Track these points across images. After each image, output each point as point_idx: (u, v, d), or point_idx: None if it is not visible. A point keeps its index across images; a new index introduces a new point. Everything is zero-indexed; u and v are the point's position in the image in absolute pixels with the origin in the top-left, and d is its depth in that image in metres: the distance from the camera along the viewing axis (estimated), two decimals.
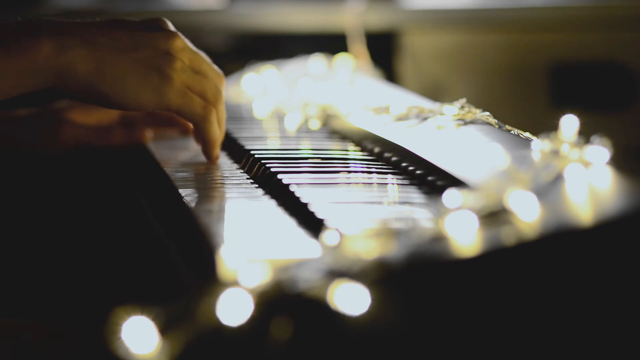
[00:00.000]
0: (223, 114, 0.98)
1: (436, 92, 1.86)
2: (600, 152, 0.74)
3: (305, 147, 1.08)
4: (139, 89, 0.91)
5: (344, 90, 1.29)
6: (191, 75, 0.94)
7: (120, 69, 0.90)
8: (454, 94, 1.84)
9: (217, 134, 0.97)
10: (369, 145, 1.02)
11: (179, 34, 0.95)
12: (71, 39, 0.90)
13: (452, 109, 0.99)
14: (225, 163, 1.00)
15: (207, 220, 0.76)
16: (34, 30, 0.90)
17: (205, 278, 0.68)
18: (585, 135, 0.75)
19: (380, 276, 0.58)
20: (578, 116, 0.76)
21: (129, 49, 0.91)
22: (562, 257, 0.62)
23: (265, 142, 1.11)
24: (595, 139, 0.74)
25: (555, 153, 0.75)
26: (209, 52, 1.00)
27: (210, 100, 0.95)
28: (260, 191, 0.87)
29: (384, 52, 1.89)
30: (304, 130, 1.16)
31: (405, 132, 0.99)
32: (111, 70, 0.90)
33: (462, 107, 0.99)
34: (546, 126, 0.78)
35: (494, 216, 0.65)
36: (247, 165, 0.97)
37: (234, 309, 0.57)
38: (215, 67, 0.98)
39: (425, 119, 1.02)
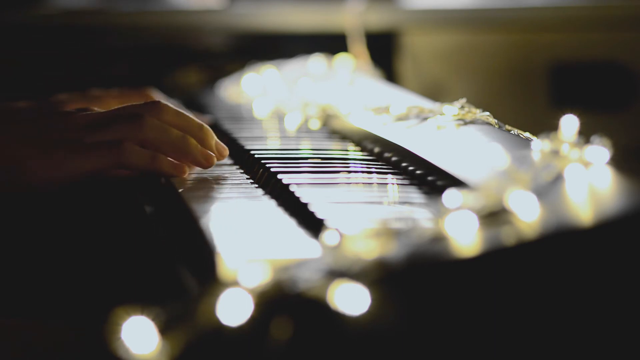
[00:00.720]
0: (156, 135, 0.92)
1: (436, 92, 1.86)
2: (600, 152, 0.74)
3: (305, 147, 1.08)
4: (43, 173, 0.90)
5: (344, 90, 1.29)
6: (94, 133, 0.91)
7: (22, 158, 0.91)
8: (454, 94, 1.84)
9: (141, 163, 0.91)
10: (369, 145, 1.02)
11: (76, 114, 0.94)
12: None
13: (452, 109, 0.99)
14: (225, 163, 1.00)
15: (207, 220, 0.76)
16: None
17: (205, 278, 0.68)
18: (585, 135, 0.75)
19: (380, 276, 0.58)
20: (578, 116, 0.76)
21: (33, 134, 0.91)
22: (562, 257, 0.62)
23: (265, 142, 1.11)
24: (595, 139, 0.74)
25: (555, 153, 0.75)
26: (209, 52, 1.00)
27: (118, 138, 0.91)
28: (260, 191, 0.87)
29: (384, 52, 1.89)
30: (304, 130, 1.16)
31: (405, 132, 0.99)
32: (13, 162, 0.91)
33: (462, 107, 0.99)
34: (546, 126, 0.78)
35: (494, 216, 0.65)
36: (247, 165, 0.97)
37: (234, 309, 0.57)
38: (133, 105, 0.95)
39: (425, 119, 1.02)
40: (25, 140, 0.91)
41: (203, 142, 0.94)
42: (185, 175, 0.92)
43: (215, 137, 0.96)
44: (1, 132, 0.92)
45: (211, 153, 0.94)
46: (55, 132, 0.92)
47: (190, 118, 0.95)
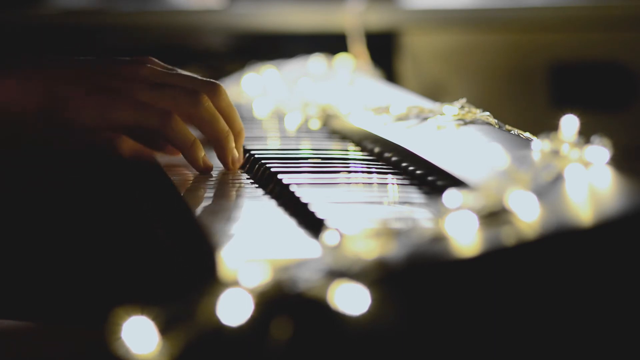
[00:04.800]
0: (207, 118, 0.92)
1: (436, 92, 1.86)
2: (600, 152, 0.73)
3: (305, 147, 1.08)
4: (85, 112, 0.90)
5: (344, 90, 1.29)
6: (149, 91, 0.91)
7: (68, 96, 0.90)
8: (454, 94, 1.84)
9: (181, 140, 0.91)
10: (369, 145, 1.02)
11: (150, 62, 0.93)
12: (25, 74, 0.91)
13: (452, 109, 0.99)
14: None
15: (207, 220, 0.76)
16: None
17: (205, 278, 0.68)
18: (585, 135, 0.75)
19: (380, 276, 0.58)
20: (578, 116, 0.76)
21: (85, 78, 0.91)
22: (562, 257, 0.62)
23: (265, 142, 1.11)
24: (595, 139, 0.74)
25: (555, 153, 0.75)
26: (209, 52, 1.00)
27: (171, 108, 0.90)
28: (260, 191, 0.87)
29: (384, 52, 1.89)
30: (304, 130, 1.16)
31: (405, 132, 0.99)
32: (59, 98, 0.90)
33: (462, 107, 0.99)
34: (546, 126, 0.78)
35: (494, 216, 0.65)
36: (247, 165, 0.97)
37: (234, 309, 0.57)
38: (197, 78, 0.94)
39: (425, 119, 1.02)
40: (73, 81, 0.91)
41: (238, 145, 0.95)
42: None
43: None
44: (53, 74, 0.91)
45: (239, 158, 0.95)
46: (105, 78, 0.91)
47: (238, 117, 0.96)
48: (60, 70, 0.92)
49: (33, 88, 0.90)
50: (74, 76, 0.91)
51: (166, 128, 0.90)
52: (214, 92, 0.93)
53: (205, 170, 0.93)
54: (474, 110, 0.98)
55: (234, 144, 0.94)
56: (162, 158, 1.04)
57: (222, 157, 0.94)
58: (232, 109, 0.95)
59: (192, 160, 0.92)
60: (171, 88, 0.91)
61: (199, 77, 0.95)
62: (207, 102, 0.92)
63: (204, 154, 0.93)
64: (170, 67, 0.96)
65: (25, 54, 0.94)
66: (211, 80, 0.95)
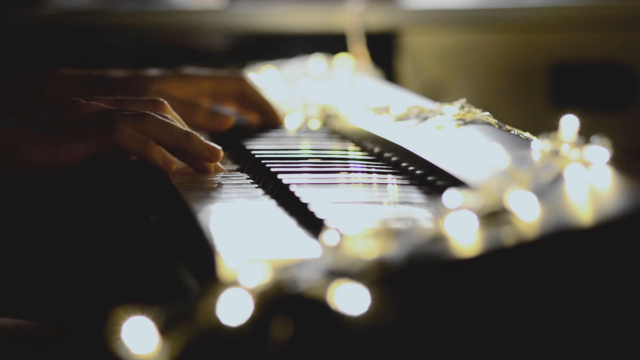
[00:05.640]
0: (159, 127, 0.92)
1: (436, 92, 1.86)
2: (600, 152, 0.73)
3: (305, 147, 1.08)
4: (36, 157, 0.90)
5: (344, 90, 1.29)
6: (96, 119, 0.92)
7: (18, 148, 0.91)
8: (454, 94, 1.84)
9: (132, 146, 0.90)
10: (369, 145, 1.02)
11: (93, 102, 0.94)
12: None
13: (452, 109, 0.99)
14: (225, 163, 1.00)
15: (207, 220, 0.76)
16: None
17: (205, 278, 0.68)
18: (585, 135, 0.75)
19: (380, 276, 0.58)
20: (578, 116, 0.76)
21: (33, 124, 0.92)
22: (562, 257, 0.62)
23: (265, 142, 1.11)
24: (595, 139, 0.74)
25: (555, 153, 0.75)
26: (209, 52, 1.00)
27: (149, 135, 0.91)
28: (260, 191, 0.87)
29: (384, 52, 1.89)
30: (304, 130, 1.16)
31: (405, 132, 0.99)
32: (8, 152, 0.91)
33: (462, 107, 0.99)
34: (546, 126, 0.78)
35: (494, 216, 0.65)
36: (247, 165, 0.97)
37: (234, 309, 0.57)
38: (140, 100, 0.96)
39: (425, 119, 1.02)
40: (25, 127, 0.91)
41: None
42: (173, 170, 0.92)
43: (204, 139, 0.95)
44: (6, 122, 0.92)
45: (217, 146, 0.93)
46: (56, 120, 0.92)
47: (181, 123, 0.96)
48: (18, 116, 0.93)
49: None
50: (28, 122, 0.92)
51: (114, 139, 0.90)
52: (158, 109, 0.94)
53: (168, 167, 0.92)
54: (474, 110, 0.98)
55: (199, 138, 0.92)
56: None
57: (196, 154, 0.93)
58: (178, 119, 0.96)
59: (154, 160, 0.91)
60: (120, 112, 0.92)
61: (146, 99, 0.96)
62: (154, 117, 0.92)
63: (163, 151, 0.92)
64: (116, 99, 0.97)
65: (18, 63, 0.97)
66: (156, 99, 0.96)
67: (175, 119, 0.95)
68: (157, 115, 0.92)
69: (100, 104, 0.94)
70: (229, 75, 1.17)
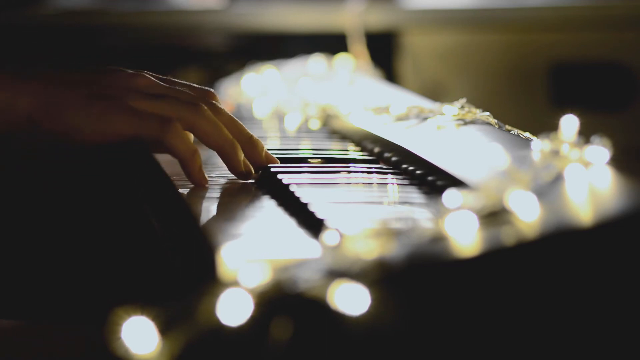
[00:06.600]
0: (209, 129, 0.88)
1: (436, 92, 1.86)
2: (600, 152, 0.73)
3: (305, 147, 1.08)
4: (80, 120, 0.87)
5: (344, 90, 1.29)
6: (147, 101, 0.88)
7: (62, 101, 0.88)
8: (454, 94, 1.84)
9: (182, 149, 0.87)
10: (369, 145, 1.02)
11: (145, 74, 0.91)
12: (18, 77, 0.89)
13: (452, 109, 0.99)
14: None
15: (207, 220, 0.76)
16: None
17: (205, 278, 0.68)
18: (585, 135, 0.75)
19: (380, 276, 0.58)
20: (578, 116, 0.76)
21: (80, 85, 0.89)
22: (562, 257, 0.62)
23: (265, 142, 1.11)
24: (595, 139, 0.74)
25: (555, 153, 0.75)
26: (209, 52, 1.00)
27: (172, 116, 0.87)
28: (260, 191, 0.87)
29: (384, 52, 1.89)
30: (304, 130, 1.16)
31: (405, 132, 0.99)
32: (52, 102, 0.88)
33: (462, 107, 0.99)
34: (546, 126, 0.78)
35: (494, 216, 0.65)
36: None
37: (234, 309, 0.57)
38: (195, 87, 0.92)
39: (425, 119, 1.02)
40: (67, 88, 0.88)
41: (254, 154, 0.91)
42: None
43: (265, 149, 0.93)
44: (54, 79, 0.89)
45: (252, 168, 0.91)
46: (104, 87, 0.89)
47: (241, 126, 0.92)
48: (54, 77, 0.90)
49: (25, 93, 0.88)
50: (68, 83, 0.89)
51: (167, 136, 0.86)
52: (210, 102, 0.90)
53: (200, 182, 0.89)
54: (474, 110, 0.98)
55: (241, 152, 0.90)
56: (162, 155, 1.04)
57: (232, 167, 0.90)
58: (234, 119, 0.91)
59: (191, 171, 0.88)
60: (170, 98, 0.89)
61: (197, 87, 0.92)
62: (208, 112, 0.88)
63: (202, 169, 0.89)
64: (166, 78, 0.94)
65: (19, 63, 0.94)
66: (208, 89, 0.93)
67: (225, 113, 0.91)
68: (210, 113, 0.88)
69: (152, 79, 0.91)
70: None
